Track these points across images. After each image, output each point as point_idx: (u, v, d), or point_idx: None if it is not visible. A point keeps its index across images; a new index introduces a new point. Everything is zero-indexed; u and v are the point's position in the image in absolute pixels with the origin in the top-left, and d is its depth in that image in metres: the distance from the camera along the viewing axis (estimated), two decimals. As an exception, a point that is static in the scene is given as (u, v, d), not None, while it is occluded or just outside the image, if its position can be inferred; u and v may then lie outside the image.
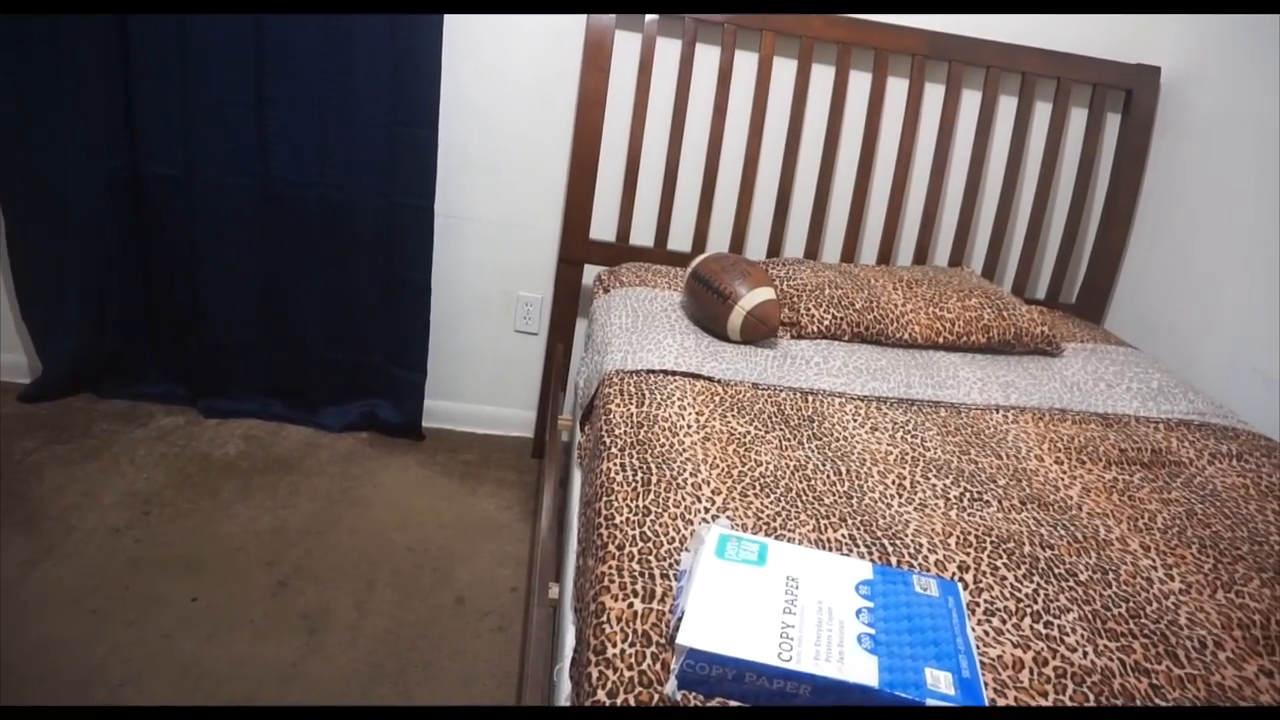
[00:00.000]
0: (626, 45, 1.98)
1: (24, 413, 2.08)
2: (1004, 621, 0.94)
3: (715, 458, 1.20)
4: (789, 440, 1.30)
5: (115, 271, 2.07)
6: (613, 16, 1.92)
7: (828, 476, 1.21)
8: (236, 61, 1.88)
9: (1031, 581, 1.02)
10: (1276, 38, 1.82)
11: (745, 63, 2.01)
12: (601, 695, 0.80)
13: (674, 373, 1.46)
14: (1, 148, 1.93)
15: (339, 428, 2.21)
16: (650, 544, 0.99)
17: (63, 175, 1.96)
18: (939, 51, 2.02)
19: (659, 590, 0.91)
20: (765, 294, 1.62)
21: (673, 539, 1.00)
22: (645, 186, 2.06)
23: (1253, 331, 1.79)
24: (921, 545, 1.06)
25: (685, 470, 1.15)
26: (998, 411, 1.53)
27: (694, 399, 1.37)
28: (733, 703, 0.79)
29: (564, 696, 0.96)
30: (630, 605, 0.89)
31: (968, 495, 1.21)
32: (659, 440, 1.22)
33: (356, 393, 2.22)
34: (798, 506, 1.12)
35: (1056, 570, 1.05)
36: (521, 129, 2.08)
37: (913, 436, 1.37)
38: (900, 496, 1.19)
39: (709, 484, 1.13)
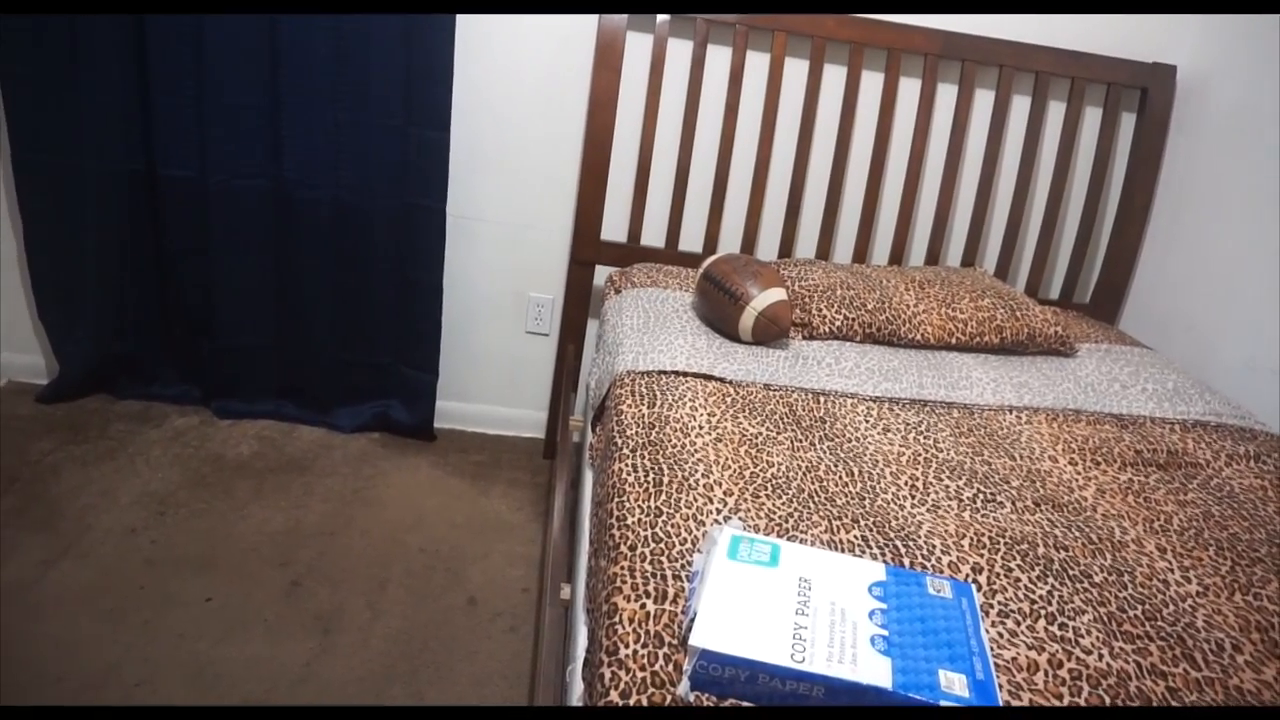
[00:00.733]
0: (638, 46, 1.98)
1: (41, 413, 2.10)
2: (1018, 623, 0.93)
3: (727, 459, 1.20)
4: (801, 441, 1.30)
5: (130, 273, 2.08)
6: (624, 17, 1.93)
7: (840, 477, 1.21)
8: (251, 64, 1.89)
9: (1046, 583, 1.01)
10: (1293, 35, 1.80)
11: (757, 63, 2.01)
12: (614, 696, 0.80)
13: (685, 374, 1.46)
14: (19, 151, 1.95)
15: (351, 428, 2.22)
16: (662, 545, 0.99)
17: (79, 178, 1.97)
18: (952, 51, 2.01)
19: (671, 591, 0.91)
20: (777, 295, 1.61)
21: (685, 540, 1.00)
22: (656, 187, 2.06)
23: (1270, 331, 1.77)
24: (935, 546, 1.06)
25: (697, 471, 1.15)
26: (1011, 412, 1.52)
27: (705, 400, 1.37)
28: (745, 704, 0.78)
29: (576, 697, 0.96)
30: (643, 606, 0.89)
31: (981, 496, 1.20)
32: (671, 441, 1.22)
33: (369, 393, 2.23)
34: (810, 507, 1.11)
35: (1071, 572, 1.04)
36: (533, 130, 2.09)
37: (925, 438, 1.37)
38: (913, 498, 1.18)
39: (721, 485, 1.12)
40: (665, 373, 1.46)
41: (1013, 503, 1.20)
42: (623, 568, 0.95)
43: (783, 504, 1.11)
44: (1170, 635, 0.95)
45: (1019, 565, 1.04)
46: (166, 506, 1.82)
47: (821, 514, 1.10)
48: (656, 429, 1.26)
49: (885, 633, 0.82)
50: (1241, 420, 1.58)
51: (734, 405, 1.37)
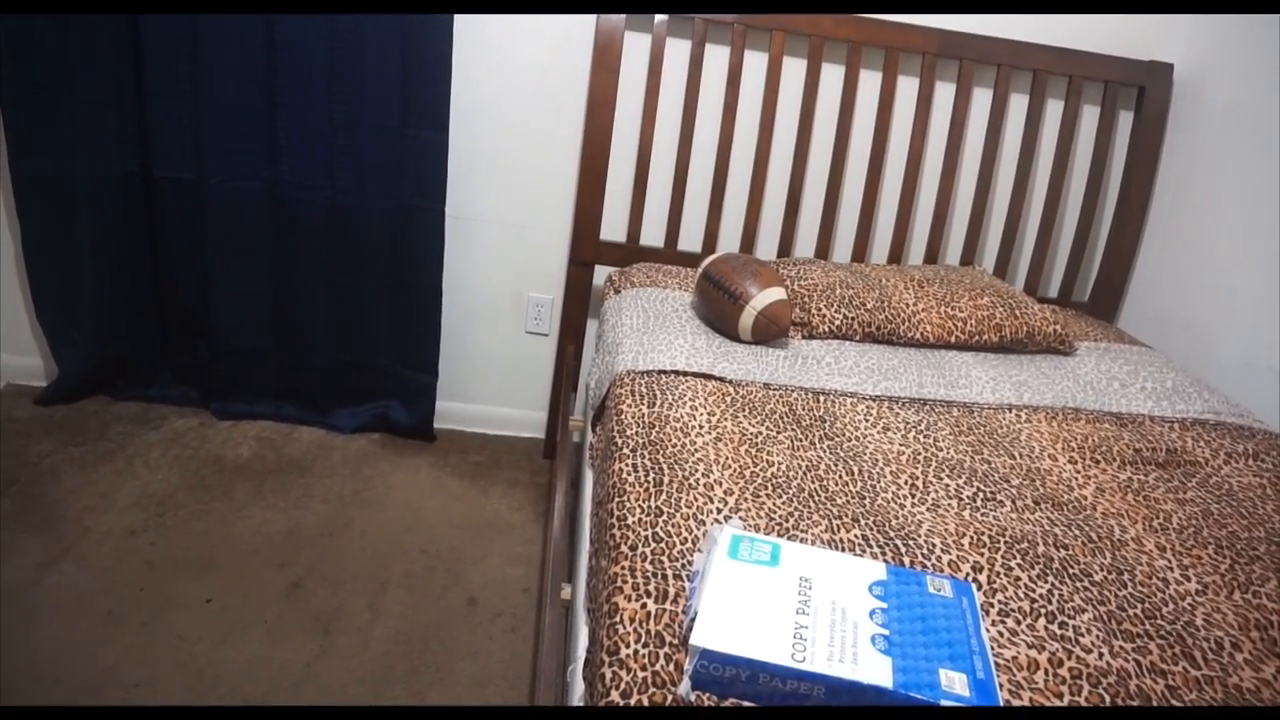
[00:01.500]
0: (636, 45, 1.98)
1: (40, 416, 2.10)
2: (1018, 622, 0.93)
3: (727, 458, 1.20)
4: (801, 440, 1.30)
5: (128, 275, 2.08)
6: (622, 17, 1.93)
7: (840, 477, 1.21)
8: (247, 65, 1.89)
9: (1046, 582, 1.01)
10: (1291, 33, 1.81)
11: (755, 62, 2.01)
12: (615, 696, 0.80)
13: (685, 373, 1.46)
14: (16, 154, 1.95)
15: (351, 429, 2.22)
16: (663, 544, 0.99)
17: (76, 181, 1.97)
18: (949, 50, 2.01)
19: (672, 591, 0.91)
20: (776, 294, 1.61)
21: (685, 539, 1.00)
22: (655, 187, 2.06)
23: (1269, 329, 1.78)
24: (935, 545, 1.06)
25: (697, 471, 1.15)
26: (1010, 411, 1.52)
27: (705, 399, 1.37)
28: (746, 703, 0.78)
29: (577, 697, 0.96)
30: (643, 606, 0.89)
31: (981, 495, 1.20)
32: (671, 441, 1.22)
33: (368, 394, 2.23)
34: (810, 507, 1.11)
35: (1071, 571, 1.04)
36: (531, 130, 2.09)
37: (925, 436, 1.37)
38: (913, 497, 1.18)
39: (721, 484, 1.13)
40: (665, 372, 1.46)
41: (1012, 501, 1.20)
42: (623, 567, 0.95)
43: (783, 503, 1.11)
44: (1170, 634, 0.95)
45: (1019, 564, 1.04)
46: (166, 508, 1.82)
47: (822, 513, 1.10)
48: (656, 428, 1.26)
49: (886, 632, 0.82)
50: (1240, 418, 1.58)
51: (734, 405, 1.37)
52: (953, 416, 1.46)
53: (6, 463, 1.89)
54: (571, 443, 1.75)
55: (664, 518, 1.04)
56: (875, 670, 0.77)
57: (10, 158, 1.95)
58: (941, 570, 1.01)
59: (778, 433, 1.31)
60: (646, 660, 0.82)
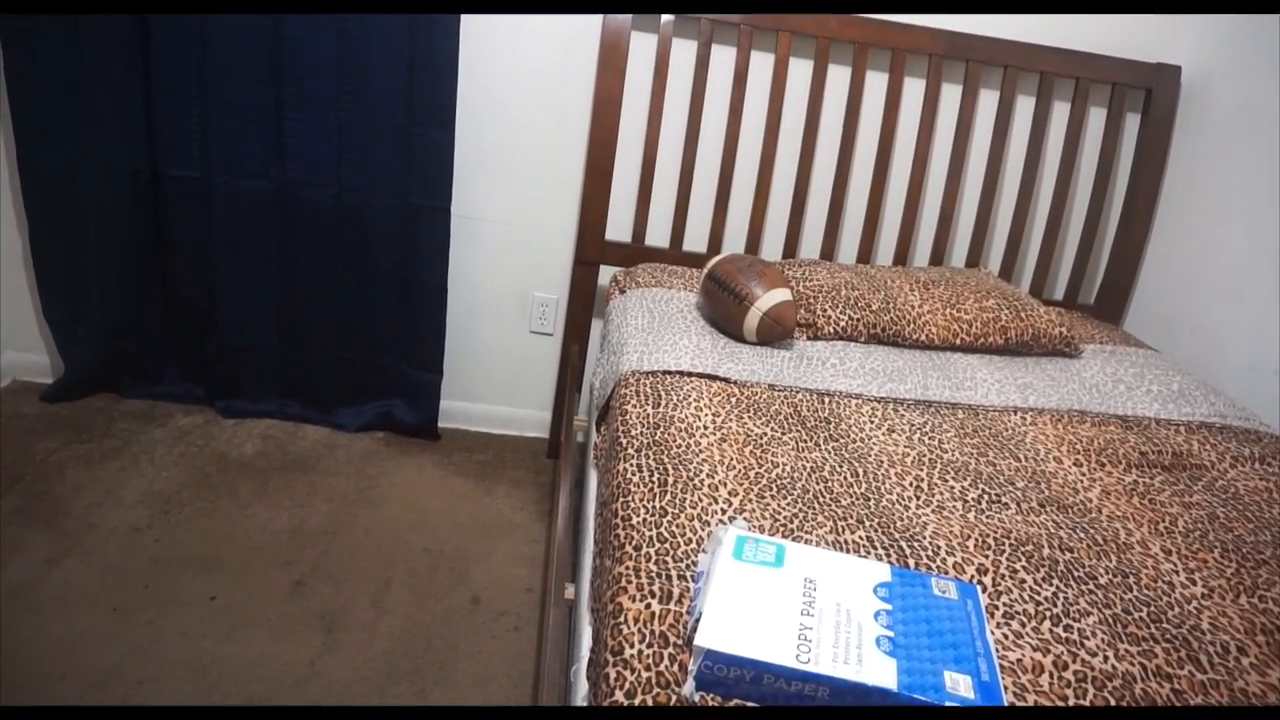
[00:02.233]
0: (642, 46, 1.98)
1: (46, 412, 2.10)
2: (1023, 625, 0.93)
3: (732, 459, 1.20)
4: (805, 441, 1.30)
5: (134, 272, 2.09)
6: (628, 17, 1.93)
7: (845, 478, 1.20)
8: (254, 64, 1.89)
9: (1051, 584, 1.01)
10: (1299, 36, 1.80)
11: (761, 63, 2.00)
12: (619, 696, 0.80)
13: (690, 374, 1.46)
14: (24, 151, 1.96)
15: (355, 428, 2.23)
16: (667, 545, 0.99)
17: (84, 178, 1.98)
18: (956, 51, 2.01)
19: (676, 591, 0.91)
20: (781, 295, 1.61)
21: (690, 540, 1.00)
22: (661, 187, 2.06)
23: (1276, 332, 1.77)
24: (940, 547, 1.06)
25: (702, 471, 1.15)
26: (1016, 413, 1.51)
27: (710, 400, 1.37)
28: (750, 704, 0.78)
29: (580, 696, 0.96)
30: (648, 606, 0.89)
31: (986, 497, 1.20)
32: (675, 441, 1.22)
33: (373, 393, 2.23)
34: (815, 508, 1.11)
35: (1076, 573, 1.04)
36: (537, 130, 2.09)
37: (930, 438, 1.37)
38: (918, 498, 1.18)
39: (726, 485, 1.12)
40: (670, 373, 1.46)
41: (1017, 504, 1.20)
42: (628, 568, 0.95)
43: (788, 504, 1.11)
44: (1176, 637, 0.95)
45: (1024, 566, 1.04)
46: (171, 505, 1.83)
47: (826, 514, 1.10)
48: (661, 429, 1.26)
49: (890, 634, 0.82)
50: (1247, 422, 1.57)
51: (739, 405, 1.37)
52: (958, 418, 1.46)
53: (12, 459, 1.90)
54: (576, 443, 1.75)
55: (669, 518, 1.04)
56: (880, 672, 0.77)
57: (18, 155, 1.96)
58: (946, 572, 1.01)
59: (782, 434, 1.31)
60: (651, 660, 0.82)
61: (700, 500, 1.08)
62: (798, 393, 1.47)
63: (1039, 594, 0.99)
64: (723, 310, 1.66)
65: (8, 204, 2.08)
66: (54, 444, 1.98)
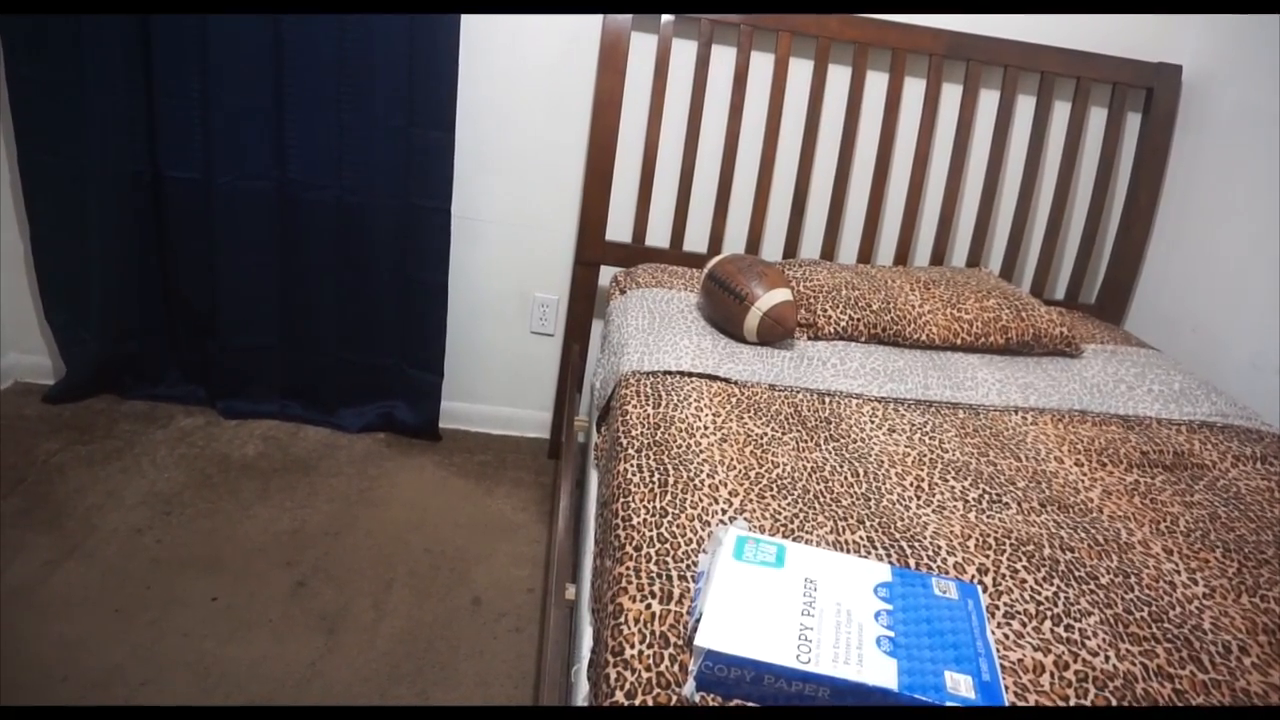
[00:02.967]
0: (642, 46, 1.98)
1: (48, 414, 2.10)
2: (1024, 625, 0.93)
3: (732, 459, 1.19)
4: (806, 442, 1.30)
5: (136, 274, 2.09)
6: (629, 17, 1.93)
7: (845, 478, 1.20)
8: (255, 65, 1.89)
9: (1052, 584, 1.01)
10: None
11: (761, 63, 2.00)
12: (619, 696, 0.80)
13: (690, 374, 1.46)
14: (26, 152, 1.96)
15: (357, 428, 2.23)
16: (668, 545, 0.99)
17: (85, 179, 1.98)
18: (957, 51, 2.01)
19: (677, 591, 0.91)
20: (781, 295, 1.61)
21: (690, 540, 1.00)
22: (661, 188, 2.06)
23: (1277, 332, 1.77)
24: (940, 547, 1.05)
25: (702, 471, 1.15)
26: (1016, 413, 1.51)
27: (711, 400, 1.37)
28: (751, 704, 0.78)
29: (581, 697, 0.96)
30: (648, 606, 0.89)
31: (987, 497, 1.20)
32: (676, 441, 1.22)
33: (374, 394, 2.23)
34: (815, 508, 1.11)
35: (1077, 573, 1.04)
36: (537, 130, 2.09)
37: (931, 438, 1.37)
38: (918, 498, 1.18)
39: (726, 485, 1.12)
40: (670, 373, 1.46)
41: (1018, 504, 1.20)
42: (628, 568, 0.95)
43: (788, 504, 1.11)
44: (1177, 637, 0.95)
45: (1025, 566, 1.03)
46: (172, 507, 1.83)
47: (827, 515, 1.10)
48: (662, 429, 1.26)
49: (891, 634, 0.82)
50: (1248, 421, 1.57)
51: (739, 406, 1.37)
52: (958, 418, 1.46)
53: (14, 461, 1.90)
54: (576, 443, 1.75)
55: (669, 518, 1.04)
56: (880, 672, 0.77)
57: (20, 156, 1.96)
58: (947, 572, 1.01)
59: (783, 434, 1.31)
60: (651, 661, 0.82)
61: (701, 500, 1.08)
62: (798, 393, 1.47)
63: (1040, 594, 0.99)
64: (723, 310, 1.66)
65: (9, 206, 2.08)
66: (55, 445, 1.98)
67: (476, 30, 1.97)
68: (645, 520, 1.04)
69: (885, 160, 2.07)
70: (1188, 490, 1.30)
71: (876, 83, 2.04)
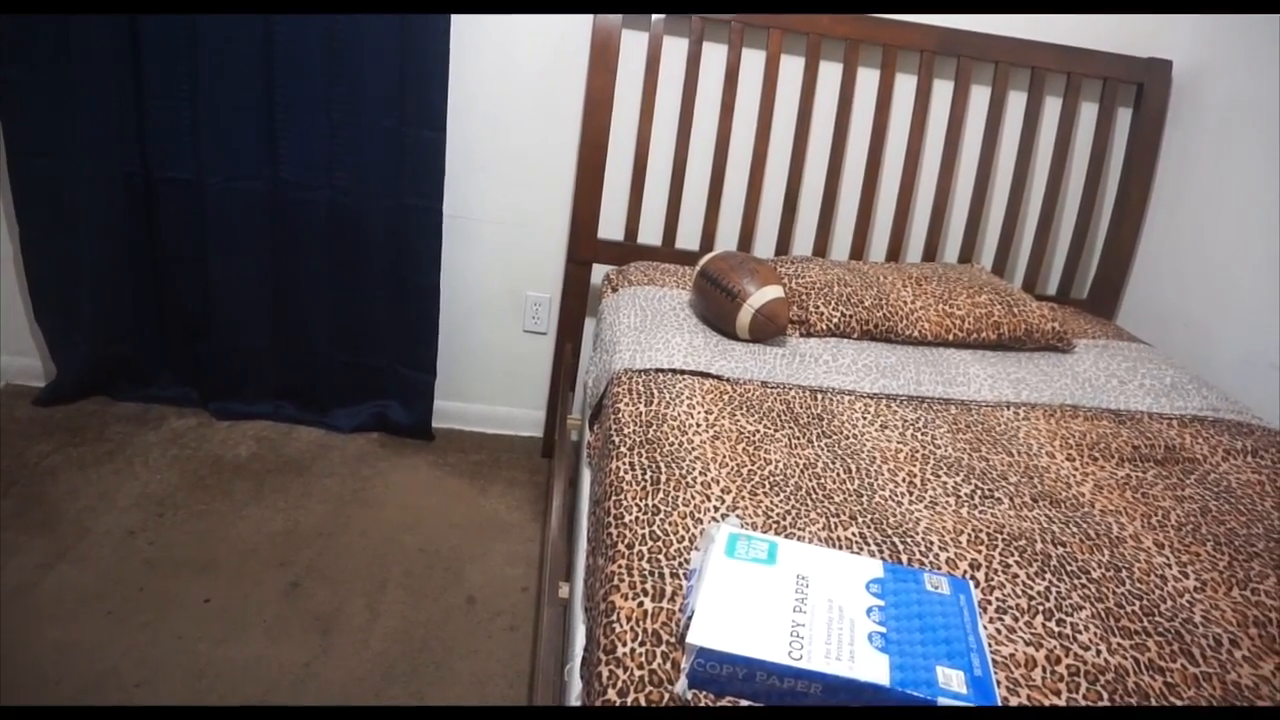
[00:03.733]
0: (633, 45, 1.98)
1: (39, 416, 2.10)
2: (1016, 619, 0.94)
3: (724, 456, 1.20)
4: (798, 438, 1.30)
5: (127, 275, 2.08)
6: (619, 16, 1.92)
7: (837, 474, 1.21)
8: (245, 66, 1.89)
9: (1043, 579, 1.01)
10: (1289, 29, 1.80)
11: (753, 61, 2.00)
12: (612, 694, 0.80)
13: (683, 371, 1.46)
14: (15, 154, 1.95)
15: (350, 429, 2.22)
16: (660, 543, 0.99)
17: (75, 181, 1.97)
18: (948, 47, 2.01)
19: (669, 589, 0.91)
20: (774, 292, 1.61)
21: (682, 538, 1.00)
22: (653, 186, 2.06)
23: (1268, 326, 1.78)
24: (932, 543, 1.06)
25: (695, 469, 1.15)
26: (1009, 408, 1.52)
27: (703, 397, 1.37)
28: (743, 702, 0.79)
29: (575, 695, 0.96)
30: (640, 604, 0.89)
31: (979, 493, 1.20)
32: (668, 439, 1.22)
33: (367, 394, 2.23)
34: (807, 505, 1.11)
35: (1069, 568, 1.04)
36: (529, 129, 2.08)
37: (923, 434, 1.37)
38: (911, 494, 1.18)
39: (718, 482, 1.13)
40: (663, 370, 1.46)
41: (1010, 499, 1.20)
42: (620, 566, 0.95)
43: (780, 501, 1.11)
44: (1168, 631, 0.95)
45: (1017, 561, 1.04)
46: (165, 508, 1.82)
47: (819, 511, 1.10)
48: (654, 427, 1.26)
49: (883, 630, 0.82)
50: (1239, 415, 1.58)
51: (731, 403, 1.37)
52: (951, 414, 1.46)
53: (6, 463, 1.89)
54: (570, 441, 1.75)
55: (661, 516, 1.04)
56: (872, 668, 0.77)
57: (9, 158, 1.95)
58: (939, 568, 1.01)
59: (775, 431, 1.31)
60: (644, 659, 0.82)
61: (693, 498, 1.08)
62: (790, 390, 1.47)
63: (1032, 589, 0.99)
64: (715, 308, 1.66)
65: (-1, 208, 2.08)
66: (47, 448, 1.97)
67: (467, 30, 1.96)
68: (637, 518, 1.04)
69: (877, 157, 2.08)
70: (1179, 484, 1.31)
71: (868, 79, 2.04)
